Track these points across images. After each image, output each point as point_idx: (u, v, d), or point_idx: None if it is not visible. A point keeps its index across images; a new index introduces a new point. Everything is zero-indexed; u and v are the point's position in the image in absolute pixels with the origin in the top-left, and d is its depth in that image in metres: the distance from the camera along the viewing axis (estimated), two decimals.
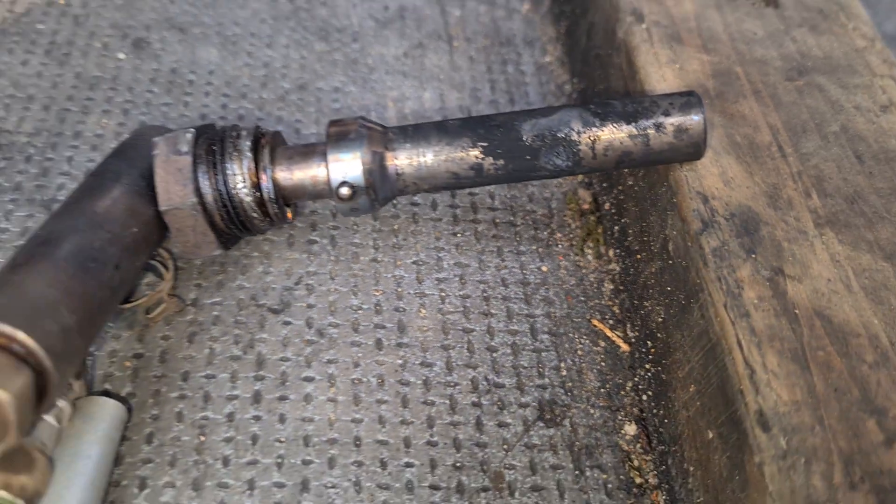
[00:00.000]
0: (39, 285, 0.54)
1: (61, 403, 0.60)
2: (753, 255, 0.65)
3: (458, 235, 0.84)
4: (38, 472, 0.54)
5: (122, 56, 0.98)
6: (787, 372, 0.58)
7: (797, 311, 0.62)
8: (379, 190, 0.69)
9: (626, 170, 0.81)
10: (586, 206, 0.88)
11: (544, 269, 0.83)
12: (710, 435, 0.62)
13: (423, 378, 0.73)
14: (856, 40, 0.86)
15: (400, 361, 0.74)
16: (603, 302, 0.81)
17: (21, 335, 0.50)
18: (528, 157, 0.68)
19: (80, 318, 0.55)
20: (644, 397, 0.74)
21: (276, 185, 0.70)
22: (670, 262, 0.70)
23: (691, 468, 0.64)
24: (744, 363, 0.59)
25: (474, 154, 0.68)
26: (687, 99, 0.67)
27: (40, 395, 0.52)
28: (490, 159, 0.68)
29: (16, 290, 0.53)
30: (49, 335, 0.51)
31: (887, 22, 1.23)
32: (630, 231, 0.80)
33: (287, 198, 0.71)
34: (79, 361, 0.56)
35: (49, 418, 0.59)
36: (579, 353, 0.77)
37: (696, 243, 0.66)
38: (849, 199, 0.71)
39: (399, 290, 0.79)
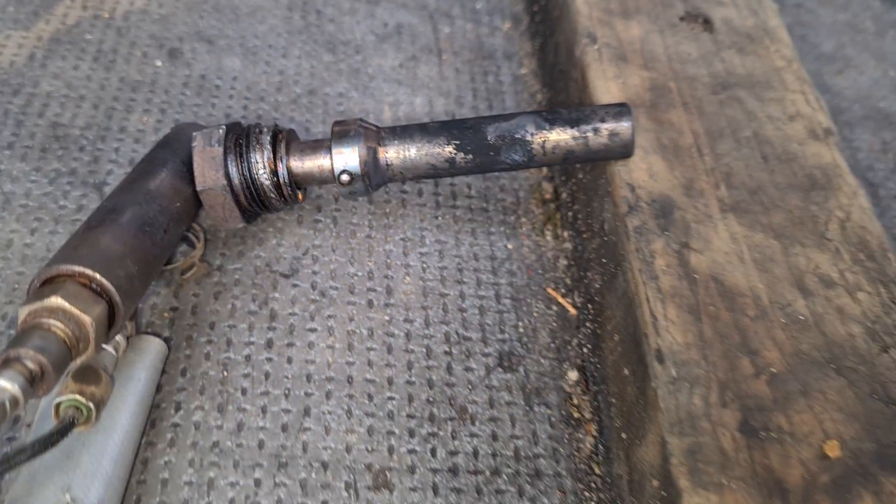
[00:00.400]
0: (110, 241, 0.71)
1: (119, 338, 0.77)
2: (666, 233, 0.82)
3: (440, 218, 1.01)
4: (103, 385, 0.71)
5: (159, 63, 1.15)
6: (682, 321, 0.75)
7: (696, 276, 0.79)
8: (372, 177, 0.86)
9: (575, 165, 0.97)
10: (548, 196, 1.05)
11: (510, 246, 1.00)
12: (626, 371, 0.78)
13: (406, 331, 0.90)
14: (776, 61, 1.03)
15: (387, 318, 0.91)
16: (557, 274, 0.98)
17: (98, 276, 0.67)
18: (492, 153, 0.85)
19: (139, 268, 0.72)
20: (585, 350, 0.90)
21: (290, 172, 0.87)
22: (605, 238, 0.87)
23: (613, 400, 0.81)
24: (650, 314, 0.76)
25: (449, 150, 0.85)
26: (619, 109, 0.84)
27: (110, 323, 0.69)
28: (461, 154, 0.85)
29: (93, 244, 0.70)
30: (118, 278, 0.68)
31: (826, 42, 1.39)
32: (580, 215, 0.97)
33: (298, 182, 0.88)
34: (138, 301, 0.73)
35: (109, 349, 0.75)
36: (535, 314, 0.94)
37: (622, 223, 0.83)
38: (751, 190, 0.87)
39: (388, 261, 0.96)
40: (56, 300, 0.63)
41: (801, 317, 0.77)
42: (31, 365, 0.60)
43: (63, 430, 0.66)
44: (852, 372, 0.74)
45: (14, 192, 0.97)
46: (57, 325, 0.63)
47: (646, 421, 0.73)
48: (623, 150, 0.84)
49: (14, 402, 0.57)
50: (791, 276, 0.80)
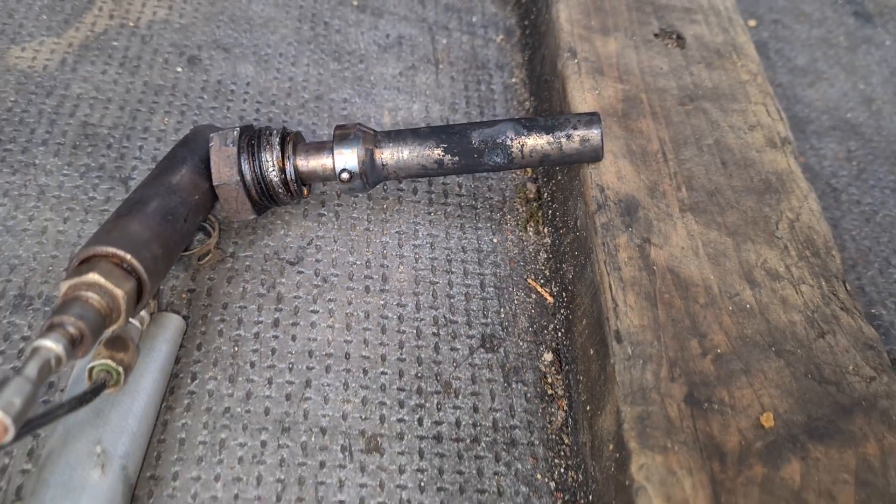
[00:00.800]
0: (138, 228, 0.81)
1: (143, 314, 0.87)
2: (630, 229, 0.91)
3: (432, 214, 1.11)
4: (130, 353, 0.81)
5: (179, 69, 1.25)
6: (640, 307, 0.85)
7: (655, 268, 0.88)
8: (369, 176, 0.96)
9: (554, 167, 1.07)
10: (531, 196, 1.15)
11: (495, 240, 1.10)
12: (592, 351, 0.88)
13: (398, 314, 1.00)
14: (742, 75, 1.13)
15: (382, 302, 1.01)
16: (538, 266, 1.08)
17: (129, 257, 0.77)
18: (476, 156, 0.95)
19: (163, 251, 0.82)
20: (559, 334, 1.00)
21: (296, 170, 0.97)
22: (577, 233, 0.97)
23: (581, 377, 0.91)
24: (611, 300, 0.85)
25: (437, 152, 0.95)
26: (590, 117, 0.94)
27: (138, 298, 0.79)
28: (448, 156, 0.95)
29: (124, 229, 0.80)
30: (145, 259, 0.78)
31: (800, 56, 1.49)
32: (558, 213, 1.07)
33: (304, 179, 0.98)
34: (161, 280, 0.84)
35: (135, 322, 0.86)
36: (515, 302, 1.04)
37: (592, 220, 0.93)
38: (710, 193, 0.97)
39: (384, 251, 1.06)
40: (93, 276, 0.74)
41: (747, 305, 0.87)
42: (72, 330, 0.70)
43: (96, 390, 0.76)
44: (791, 354, 0.84)
45: (48, 184, 1.07)
46: (94, 297, 0.73)
47: (605, 394, 0.82)
48: (593, 155, 0.94)
49: (58, 360, 0.68)
50: (741, 269, 0.90)
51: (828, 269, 0.92)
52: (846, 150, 1.34)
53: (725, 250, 0.91)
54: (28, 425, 0.68)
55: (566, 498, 0.88)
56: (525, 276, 1.06)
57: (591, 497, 0.83)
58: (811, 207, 0.98)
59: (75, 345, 0.70)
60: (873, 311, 1.12)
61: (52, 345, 0.67)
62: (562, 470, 0.90)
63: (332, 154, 0.96)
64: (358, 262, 1.05)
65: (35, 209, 1.04)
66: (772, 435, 0.77)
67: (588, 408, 0.87)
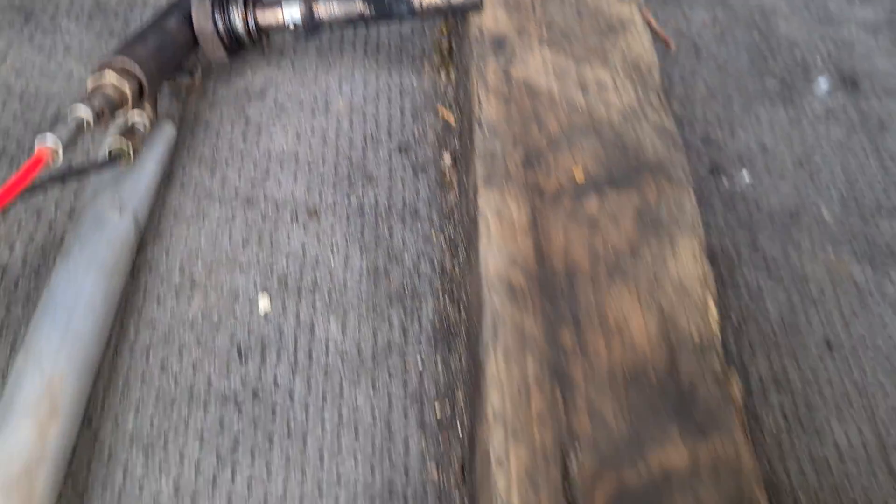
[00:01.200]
0: (140, 50, 1.15)
1: (145, 120, 1.22)
2: (498, 56, 1.25)
3: (366, 62, 1.45)
4: (138, 140, 1.16)
5: None
6: (498, 105, 1.19)
7: (513, 81, 1.22)
8: (308, 25, 1.30)
9: (450, 17, 1.40)
10: (445, 49, 1.48)
11: (415, 81, 1.43)
12: (468, 143, 1.22)
13: (336, 130, 1.35)
14: None
15: (324, 122, 1.36)
16: (446, 100, 1.42)
17: (135, 66, 1.12)
18: (388, 7, 1.28)
19: (157, 67, 1.16)
20: (457, 143, 1.34)
21: (256, 22, 1.30)
22: (465, 65, 1.31)
23: (464, 164, 1.25)
24: (478, 101, 1.19)
25: (359, 6, 1.28)
26: None
27: (140, 95, 1.14)
28: (367, 9, 1.28)
29: (129, 50, 1.14)
30: (146, 69, 1.13)
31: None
32: (458, 57, 1.40)
33: (262, 29, 1.32)
34: (156, 88, 1.18)
35: (140, 126, 1.21)
36: (427, 123, 1.38)
37: (471, 51, 1.26)
38: (564, 33, 1.30)
39: (327, 88, 1.40)
40: (109, 74, 1.08)
41: (578, 106, 1.20)
42: (97, 106, 1.05)
43: (114, 159, 1.12)
44: (605, 136, 1.17)
45: (71, 43, 1.42)
46: (110, 88, 1.08)
47: (471, 163, 1.17)
48: (475, 5, 1.27)
49: (87, 123, 1.03)
50: (578, 82, 1.23)
51: (647, 83, 1.25)
52: (713, 16, 1.66)
53: (569, 70, 1.25)
54: (70, 173, 1.03)
55: (451, 247, 1.23)
56: (436, 105, 1.40)
57: (463, 237, 1.18)
58: (643, 43, 1.31)
59: (99, 117, 1.05)
60: (709, 130, 1.45)
61: (84, 109, 1.02)
62: (450, 230, 1.25)
63: (282, 9, 1.29)
64: (307, 96, 1.39)
65: (63, 60, 1.39)
66: (581, 185, 1.11)
67: (465, 179, 1.22)
